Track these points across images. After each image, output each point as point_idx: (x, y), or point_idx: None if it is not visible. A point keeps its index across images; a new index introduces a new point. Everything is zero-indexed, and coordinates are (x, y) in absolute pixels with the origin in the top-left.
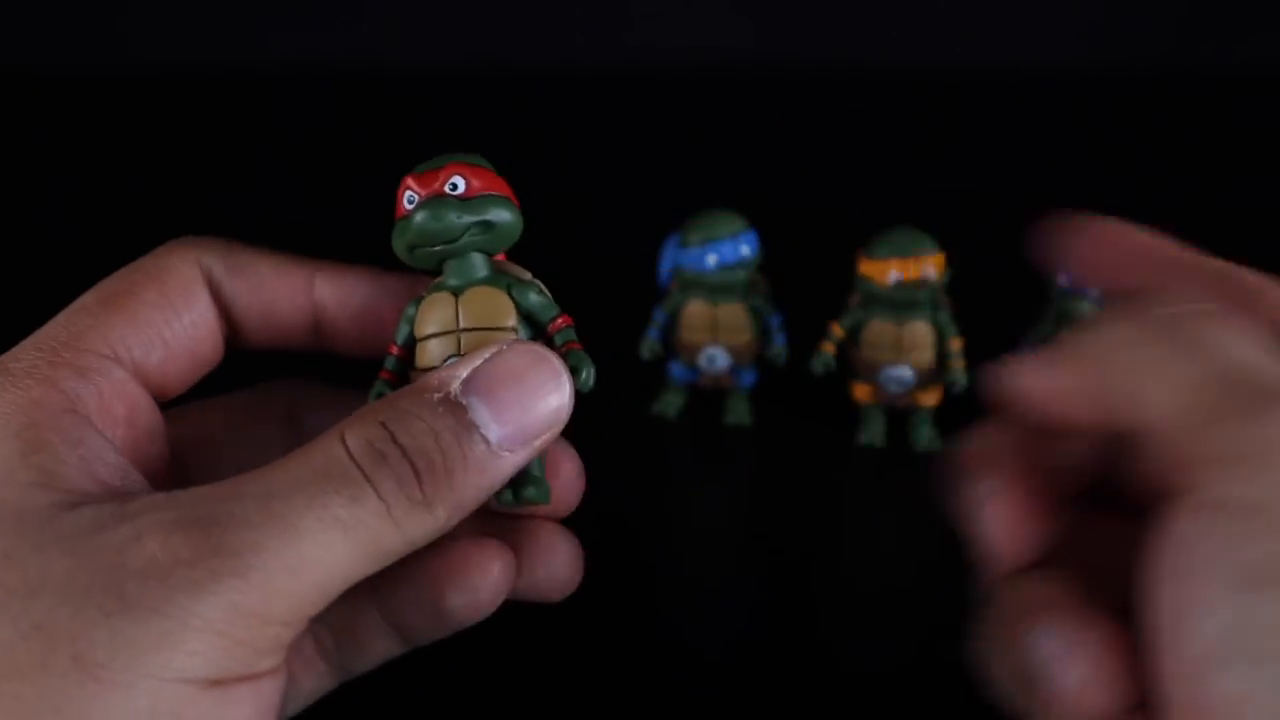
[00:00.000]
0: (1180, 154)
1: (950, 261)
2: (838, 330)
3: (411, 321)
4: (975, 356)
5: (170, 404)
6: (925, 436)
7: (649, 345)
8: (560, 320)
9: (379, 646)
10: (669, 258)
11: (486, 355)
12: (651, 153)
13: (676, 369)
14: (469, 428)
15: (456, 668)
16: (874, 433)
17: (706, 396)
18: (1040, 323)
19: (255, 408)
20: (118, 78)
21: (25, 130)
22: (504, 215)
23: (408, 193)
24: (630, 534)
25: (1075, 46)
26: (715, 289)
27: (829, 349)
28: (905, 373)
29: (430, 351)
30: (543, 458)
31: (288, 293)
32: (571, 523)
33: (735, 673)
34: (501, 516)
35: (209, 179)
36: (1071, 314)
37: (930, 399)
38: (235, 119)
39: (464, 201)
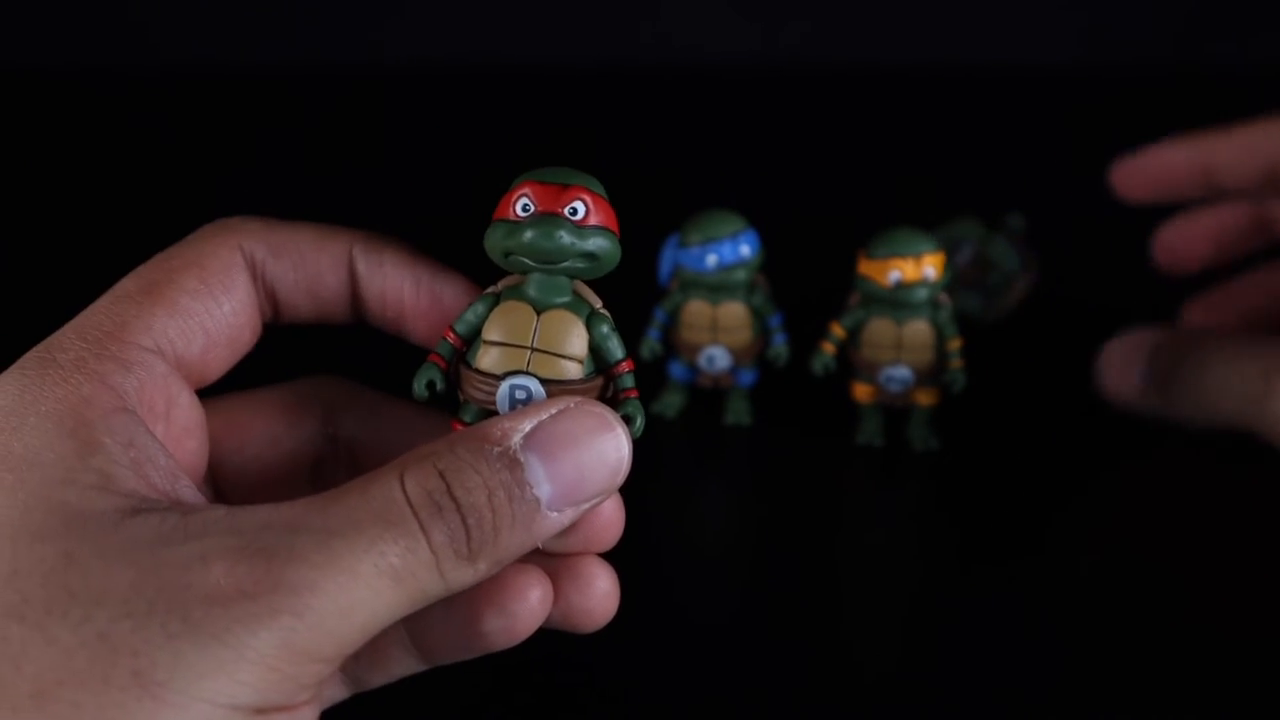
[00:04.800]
0: None
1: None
2: (838, 330)
3: (480, 318)
4: (971, 355)
5: (207, 390)
6: (923, 436)
7: (649, 345)
8: (625, 364)
9: (399, 664)
10: (669, 257)
11: (552, 411)
12: (651, 153)
13: (676, 369)
14: (522, 485)
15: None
16: (870, 432)
17: (706, 396)
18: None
19: (291, 408)
20: (118, 78)
21: (25, 130)
22: (610, 251)
23: (523, 199)
24: (629, 533)
25: (1075, 46)
26: (715, 289)
27: (829, 349)
28: (905, 372)
29: (494, 358)
30: None
31: (330, 265)
32: None
33: (735, 672)
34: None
35: (209, 179)
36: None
37: (928, 399)
38: (235, 119)
39: (578, 228)
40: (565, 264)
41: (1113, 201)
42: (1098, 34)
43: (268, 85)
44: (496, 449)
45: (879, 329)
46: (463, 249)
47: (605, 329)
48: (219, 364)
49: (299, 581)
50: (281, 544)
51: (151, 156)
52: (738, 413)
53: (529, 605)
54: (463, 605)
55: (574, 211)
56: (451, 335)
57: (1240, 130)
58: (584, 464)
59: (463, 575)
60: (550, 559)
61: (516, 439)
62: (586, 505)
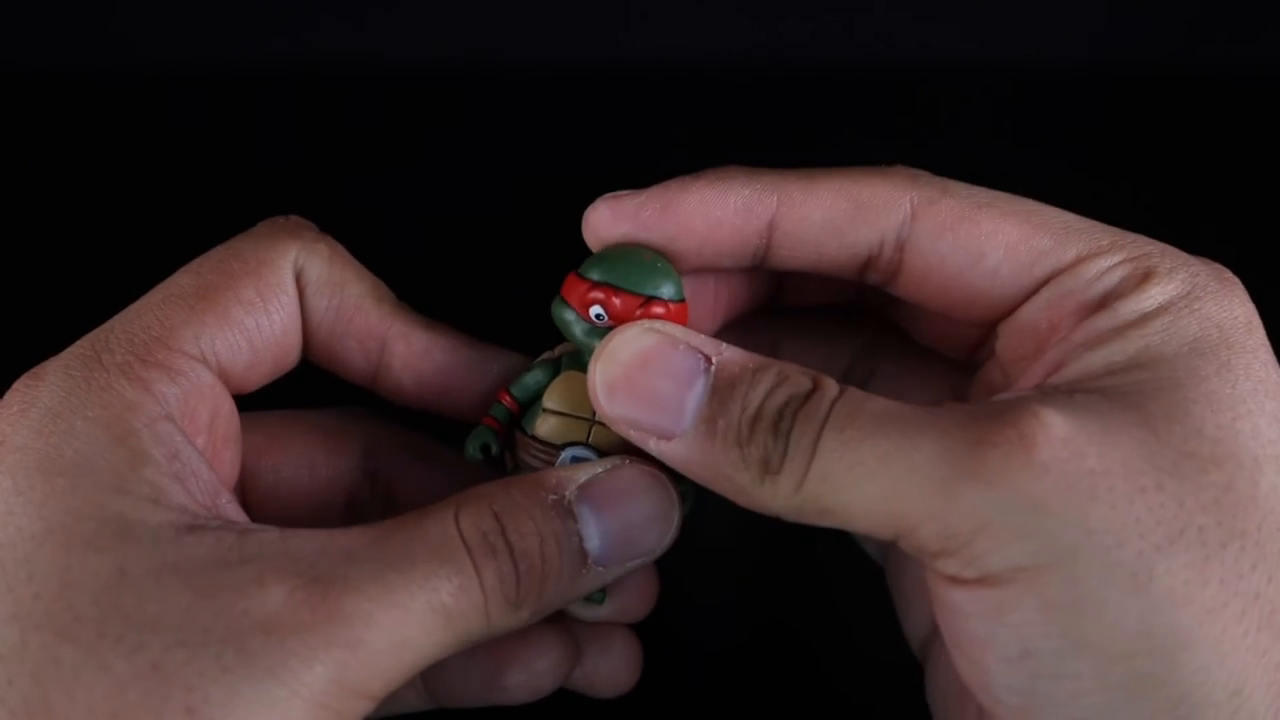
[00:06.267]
0: (1181, 155)
1: None
2: None
3: (539, 385)
4: None
5: (246, 402)
6: None
7: None
8: None
9: (407, 703)
10: None
11: (607, 466)
12: (651, 153)
13: None
14: (573, 536)
15: None
16: None
17: None
18: None
19: (334, 436)
20: (118, 77)
21: (25, 130)
22: None
23: (597, 305)
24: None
25: (1076, 47)
26: None
27: None
28: None
29: (553, 426)
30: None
31: (361, 331)
32: None
33: (735, 672)
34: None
35: (209, 179)
36: None
37: None
38: (235, 119)
39: (607, 330)
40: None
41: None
42: (1100, 34)
43: (267, 85)
44: (551, 496)
45: None
46: (464, 249)
47: None
48: (260, 379)
49: (354, 614)
50: (338, 573)
51: (151, 157)
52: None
53: (553, 664)
54: (486, 658)
55: (599, 317)
56: (508, 399)
57: (824, 183)
58: (633, 521)
59: (506, 621)
60: (577, 621)
61: (571, 489)
62: (631, 564)
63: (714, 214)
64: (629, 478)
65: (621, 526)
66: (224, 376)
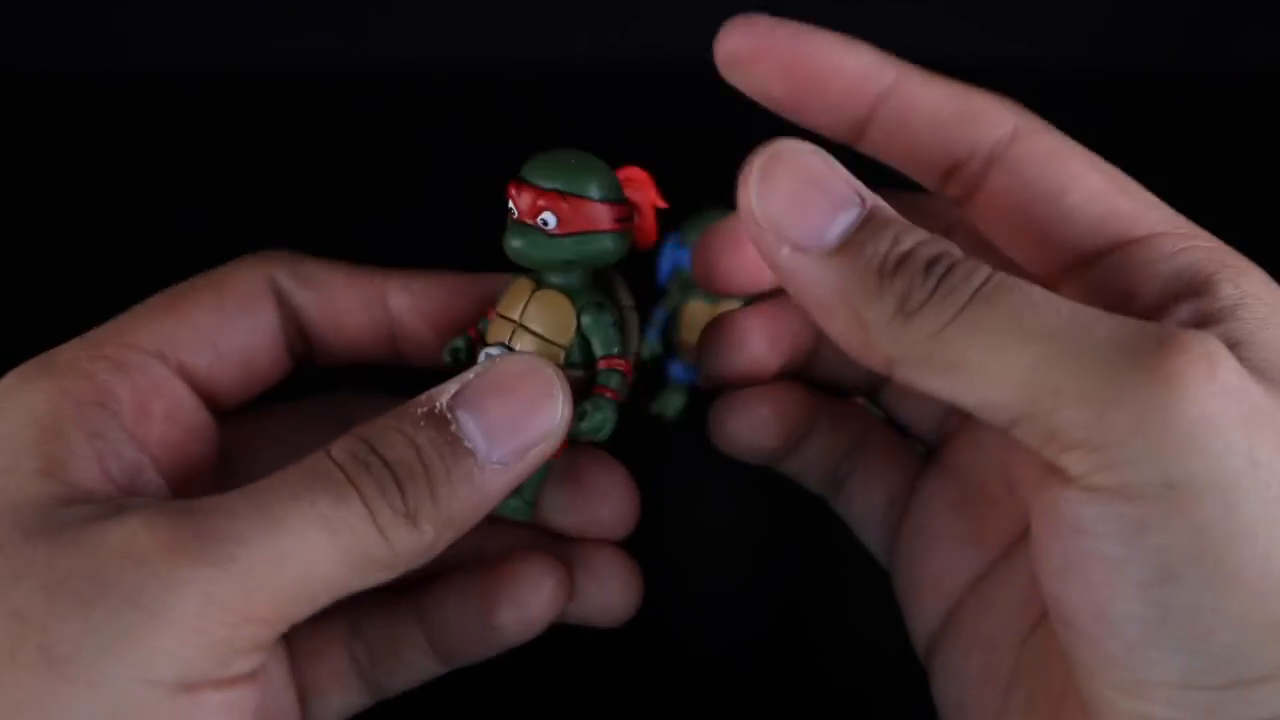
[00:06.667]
0: (1180, 154)
1: None
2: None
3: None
4: None
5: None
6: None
7: (648, 346)
8: (608, 361)
9: (418, 666)
10: (668, 258)
11: (478, 369)
12: (651, 153)
13: (676, 369)
14: (452, 441)
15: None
16: (671, 405)
17: (706, 396)
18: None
19: (310, 415)
20: (119, 77)
21: (25, 130)
22: (592, 252)
23: (510, 198)
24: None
25: (1075, 47)
26: None
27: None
28: None
29: (491, 330)
30: (541, 474)
31: (361, 302)
32: None
33: (736, 672)
34: (558, 537)
35: (209, 179)
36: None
37: None
38: (235, 119)
39: (550, 239)
40: (551, 268)
41: None
42: (1099, 34)
43: (267, 85)
44: (421, 409)
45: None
46: (464, 249)
47: (596, 319)
48: (232, 383)
49: (222, 531)
50: (207, 503)
51: (151, 157)
52: (667, 405)
53: (543, 595)
54: (476, 598)
55: (545, 223)
56: (491, 312)
57: (941, 81)
58: (514, 412)
59: (408, 537)
60: (568, 552)
61: (444, 399)
62: (531, 455)
63: (839, 61)
64: (499, 369)
65: (502, 419)
66: (184, 373)
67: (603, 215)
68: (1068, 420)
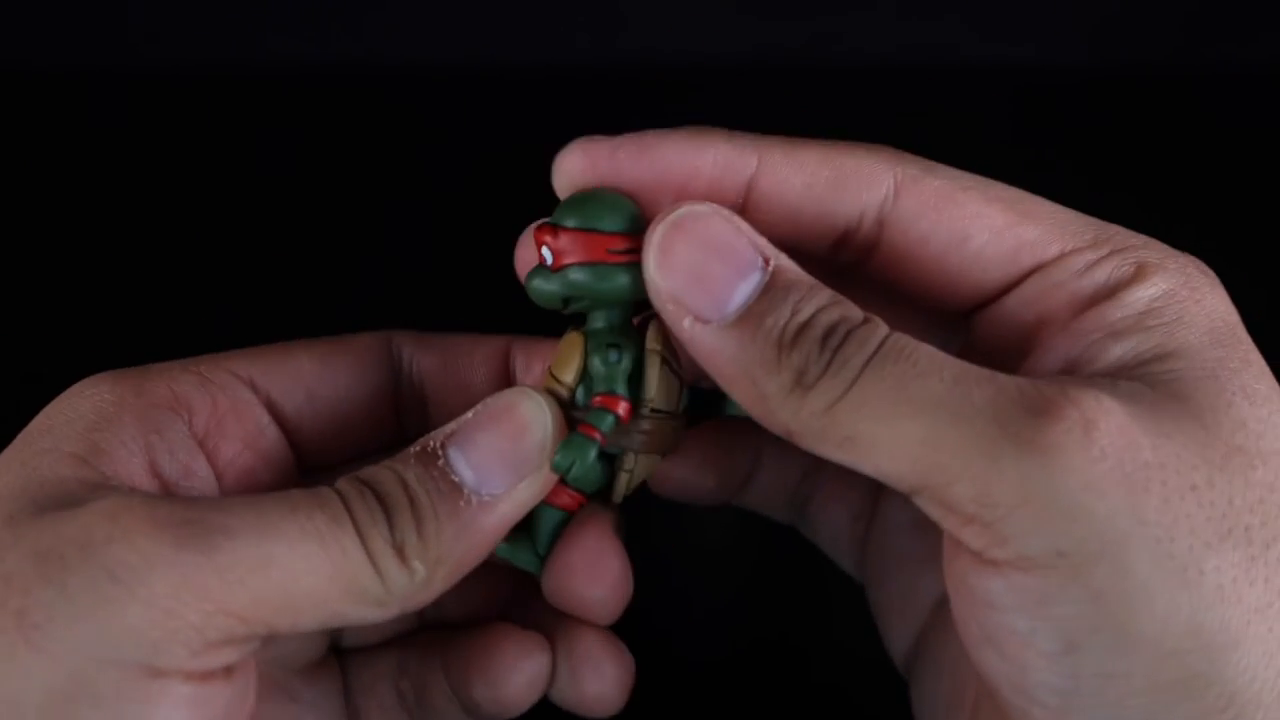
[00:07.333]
0: (1180, 154)
1: None
2: None
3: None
4: None
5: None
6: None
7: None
8: (601, 399)
9: (446, 712)
10: None
11: (476, 407)
12: None
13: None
14: (438, 476)
15: None
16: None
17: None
18: None
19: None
20: (119, 77)
21: (25, 130)
22: (590, 284)
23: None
24: (628, 533)
25: (1075, 47)
26: None
27: None
28: None
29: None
30: (553, 527)
31: (482, 358)
32: None
33: (736, 672)
34: (555, 618)
35: (209, 179)
36: None
37: None
38: (235, 119)
39: (550, 274)
40: (570, 307)
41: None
42: (1098, 34)
43: (267, 85)
44: (414, 448)
45: None
46: (464, 249)
47: (602, 358)
48: (320, 433)
49: (212, 523)
50: (210, 500)
51: (151, 156)
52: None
53: (518, 679)
54: (460, 669)
55: (546, 258)
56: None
57: (807, 150)
58: (500, 442)
59: (398, 571)
60: (567, 637)
61: (436, 440)
62: (522, 486)
63: (691, 164)
64: (489, 404)
65: (489, 448)
66: (272, 407)
67: (607, 246)
68: (959, 495)
